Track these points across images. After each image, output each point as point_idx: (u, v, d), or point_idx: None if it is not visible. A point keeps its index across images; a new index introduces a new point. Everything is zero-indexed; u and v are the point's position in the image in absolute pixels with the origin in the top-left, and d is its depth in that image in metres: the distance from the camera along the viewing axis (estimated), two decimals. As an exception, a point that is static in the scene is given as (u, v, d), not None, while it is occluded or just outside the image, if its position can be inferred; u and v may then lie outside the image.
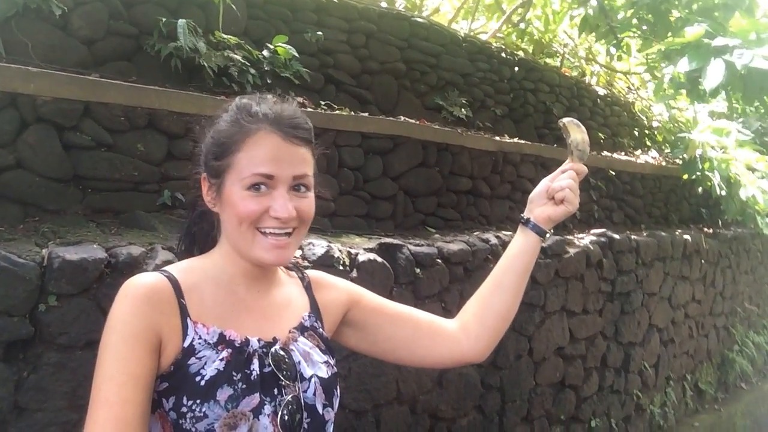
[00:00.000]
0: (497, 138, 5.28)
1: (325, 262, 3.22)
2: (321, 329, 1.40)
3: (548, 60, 7.15)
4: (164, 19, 3.35)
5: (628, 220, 6.76)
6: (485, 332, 1.47)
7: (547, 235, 1.48)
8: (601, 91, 7.52)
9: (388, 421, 3.63)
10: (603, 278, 5.32)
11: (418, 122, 4.62)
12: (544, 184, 1.49)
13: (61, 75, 2.77)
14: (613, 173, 6.39)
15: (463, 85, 5.29)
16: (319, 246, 3.26)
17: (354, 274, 3.37)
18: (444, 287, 3.84)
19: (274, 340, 1.27)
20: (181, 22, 3.27)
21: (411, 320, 1.49)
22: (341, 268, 3.30)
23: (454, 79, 5.22)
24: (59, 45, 3.05)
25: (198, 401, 1.14)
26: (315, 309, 1.42)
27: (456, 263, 3.97)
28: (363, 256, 3.44)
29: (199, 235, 1.41)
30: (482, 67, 5.49)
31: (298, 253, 3.26)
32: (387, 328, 1.47)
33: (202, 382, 1.15)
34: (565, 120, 1.53)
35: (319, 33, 4.18)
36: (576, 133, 1.50)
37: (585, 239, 5.29)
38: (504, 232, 4.84)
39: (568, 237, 5.26)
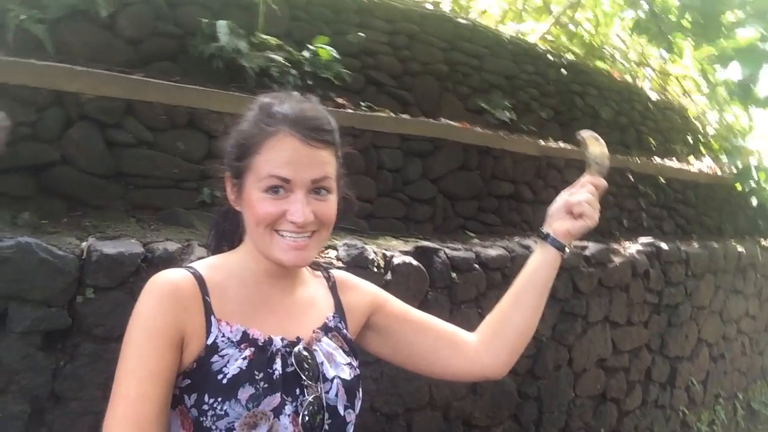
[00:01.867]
0: (541, 142, 5.18)
1: (360, 264, 3.21)
2: (345, 330, 1.38)
3: (598, 63, 6.98)
4: (206, 21, 3.41)
5: (678, 230, 6.54)
6: (504, 348, 1.44)
7: (567, 250, 1.44)
8: (654, 96, 7.29)
9: (420, 426, 3.60)
10: (649, 289, 5.14)
11: (459, 125, 4.57)
12: (563, 198, 1.45)
13: (104, 74, 2.85)
14: (664, 181, 6.19)
15: (507, 88, 5.21)
16: (353, 247, 3.26)
17: (389, 276, 3.35)
18: (481, 293, 3.78)
19: (298, 340, 1.26)
20: (222, 23, 3.33)
21: (433, 330, 1.47)
22: (375, 270, 3.28)
23: (498, 81, 5.14)
24: (106, 45, 3.14)
25: (219, 399, 1.13)
26: (339, 310, 1.40)
27: (494, 269, 3.90)
28: (398, 259, 3.41)
29: (227, 232, 1.41)
30: (528, 69, 5.39)
31: (333, 253, 3.27)
32: (409, 336, 1.45)
33: (224, 380, 1.15)
34: (583, 133, 1.51)
35: (361, 34, 4.18)
36: (594, 146, 1.48)
37: (631, 248, 5.13)
38: (546, 238, 4.74)
39: (614, 246, 5.12)
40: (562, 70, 5.64)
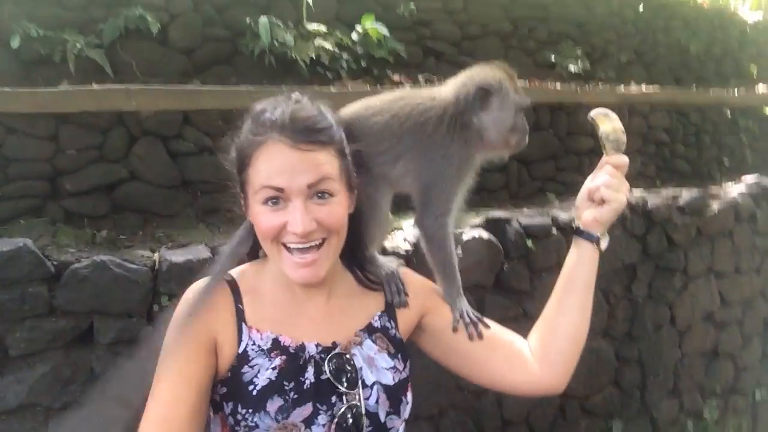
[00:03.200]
0: (621, 88, 4.85)
1: (427, 243, 3.17)
2: (394, 330, 1.32)
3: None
4: (251, 20, 3.45)
5: (791, 163, 5.95)
6: (558, 359, 1.35)
7: (602, 242, 1.35)
8: (753, 18, 6.60)
9: (512, 401, 3.54)
10: (758, 232, 4.73)
11: (527, 83, 4.36)
12: (585, 186, 1.37)
13: (158, 89, 2.97)
14: (769, 111, 5.64)
15: (579, 36, 4.90)
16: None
17: (459, 252, 3.29)
18: (561, 257, 3.62)
19: (334, 345, 1.23)
20: (263, 20, 3.35)
21: (491, 343, 1.37)
22: (444, 248, 3.23)
23: (568, 30, 4.84)
24: (160, 59, 3.26)
25: (250, 410, 1.14)
26: (390, 307, 1.34)
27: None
28: (468, 235, 3.33)
29: (252, 243, 1.35)
30: (600, 13, 5.03)
31: (400, 234, 3.24)
32: (462, 344, 1.36)
33: (254, 392, 1.15)
34: (591, 113, 1.38)
35: (412, 5, 4.07)
36: (605, 123, 1.35)
37: (733, 191, 4.73)
38: (635, 191, 4.47)
39: (713, 190, 4.74)
40: (640, 7, 5.22)
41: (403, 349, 1.31)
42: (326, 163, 1.17)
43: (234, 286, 1.23)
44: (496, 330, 1.40)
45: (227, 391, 1.18)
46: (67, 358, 2.45)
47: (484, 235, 3.38)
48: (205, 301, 1.19)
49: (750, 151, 5.49)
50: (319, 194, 1.16)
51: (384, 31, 3.76)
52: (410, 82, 3.93)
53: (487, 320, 1.41)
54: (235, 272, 1.28)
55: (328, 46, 3.56)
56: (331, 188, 1.17)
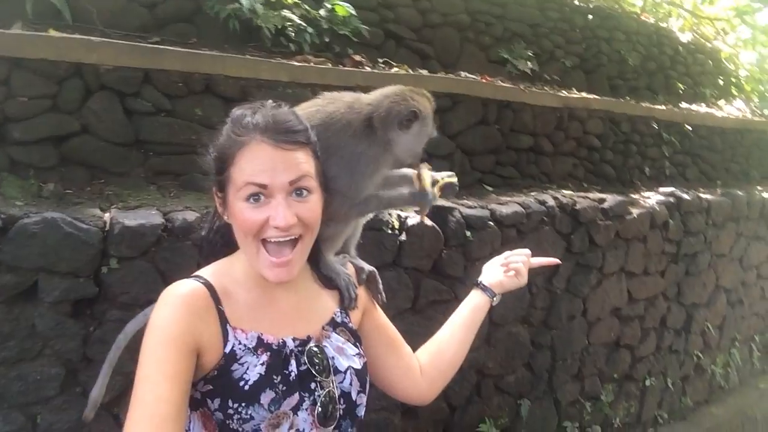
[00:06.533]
0: (563, 93, 5.09)
1: (374, 226, 3.27)
2: (350, 324, 1.47)
3: (628, 3, 6.70)
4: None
5: (703, 177, 6.44)
6: (438, 377, 1.63)
7: (495, 298, 1.69)
8: (684, 38, 7.02)
9: (434, 377, 3.75)
10: (668, 239, 5.15)
11: (479, 79, 4.51)
12: (503, 255, 1.75)
13: (122, 44, 2.88)
14: (690, 127, 6.05)
15: (530, 37, 5.08)
16: (368, 210, 3.32)
17: (403, 237, 3.43)
18: (495, 249, 3.84)
19: (308, 339, 1.35)
20: (242, -17, 3.30)
21: (399, 351, 1.59)
22: (390, 231, 3.35)
23: (521, 30, 5.01)
24: (122, 10, 3.16)
25: (243, 404, 1.22)
26: (343, 305, 1.48)
27: (509, 225, 3.94)
28: (412, 220, 3.47)
29: (219, 244, 1.44)
30: (552, 17, 5.23)
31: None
32: (380, 347, 1.56)
33: (246, 387, 1.23)
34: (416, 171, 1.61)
35: (379, -13, 4.11)
36: (426, 177, 1.58)
37: (651, 199, 5.11)
38: (564, 192, 4.74)
39: (633, 197, 5.10)
40: (589, 15, 5.45)
41: (359, 338, 1.48)
42: (305, 162, 1.28)
43: (211, 289, 1.29)
44: (403, 343, 1.62)
45: (213, 388, 1.24)
46: (8, 314, 2.40)
47: (428, 222, 3.53)
48: (188, 305, 1.23)
49: (669, 163, 5.91)
50: (298, 191, 1.26)
51: (351, 9, 3.77)
52: (369, 63, 3.98)
53: (395, 331, 1.63)
54: (206, 274, 1.33)
55: (294, 18, 3.54)
56: (309, 185, 1.28)
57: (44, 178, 2.78)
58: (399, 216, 3.46)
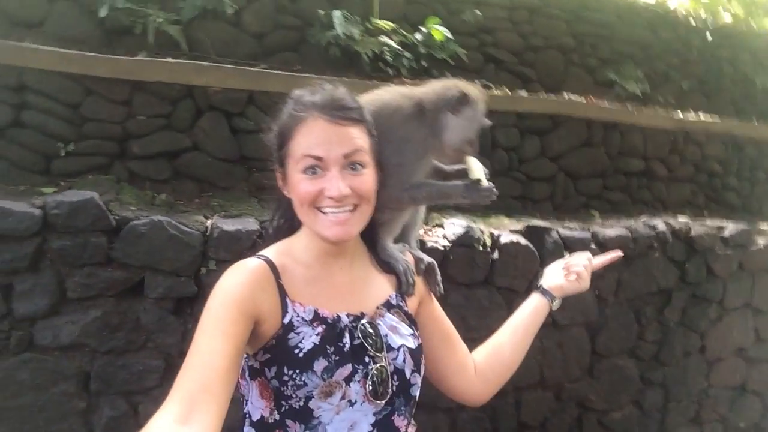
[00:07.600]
0: (678, 114, 4.83)
1: (465, 242, 3.27)
2: (406, 308, 1.49)
3: (766, 20, 6.23)
4: (323, 11, 3.60)
5: None
6: (493, 378, 1.61)
7: (555, 302, 1.67)
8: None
9: (530, 405, 3.61)
10: (804, 273, 4.65)
11: (583, 100, 4.40)
12: (563, 260, 1.75)
13: (228, 68, 3.14)
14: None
15: (641, 58, 4.88)
16: (459, 225, 3.32)
17: (495, 255, 3.38)
18: (598, 274, 3.67)
19: (362, 315, 1.39)
20: (337, 12, 3.49)
21: (454, 346, 1.59)
22: (481, 248, 3.32)
23: (630, 51, 4.83)
24: (232, 40, 3.44)
25: (297, 371, 1.27)
26: (401, 290, 1.51)
27: (613, 249, 3.76)
28: (506, 238, 3.42)
29: (283, 221, 1.51)
30: (665, 37, 5.00)
31: (440, 231, 3.35)
32: (435, 340, 1.56)
33: (300, 354, 1.28)
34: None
35: (478, 12, 4.15)
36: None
37: (783, 228, 4.66)
38: (680, 218, 4.46)
39: (760, 225, 4.68)
40: (707, 35, 5.16)
41: (415, 322, 1.49)
42: (359, 137, 1.33)
43: (272, 265, 1.35)
44: (458, 339, 1.60)
45: (271, 356, 1.30)
46: (118, 307, 2.65)
47: (522, 240, 3.46)
48: (253, 275, 1.30)
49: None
50: (353, 165, 1.31)
51: (447, 33, 3.86)
52: (467, 86, 4.01)
53: (450, 326, 1.61)
54: (269, 252, 1.39)
55: (391, 43, 3.68)
56: (363, 160, 1.33)
57: (158, 190, 3.06)
58: (492, 234, 3.43)
